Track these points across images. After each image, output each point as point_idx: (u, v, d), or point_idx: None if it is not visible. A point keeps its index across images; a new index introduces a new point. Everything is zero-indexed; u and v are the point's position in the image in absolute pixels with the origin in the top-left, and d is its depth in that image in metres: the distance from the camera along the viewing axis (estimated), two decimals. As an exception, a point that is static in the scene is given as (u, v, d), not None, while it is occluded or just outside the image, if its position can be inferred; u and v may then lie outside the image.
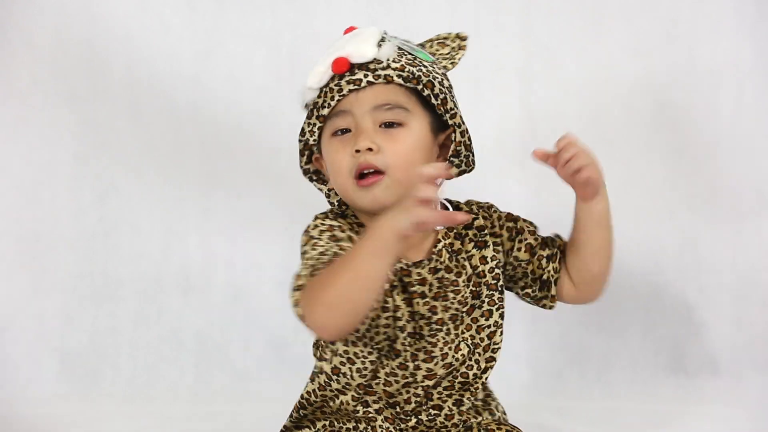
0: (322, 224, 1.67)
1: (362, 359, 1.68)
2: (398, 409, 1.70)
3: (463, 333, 1.70)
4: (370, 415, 1.71)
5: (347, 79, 1.62)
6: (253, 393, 2.64)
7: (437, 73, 1.67)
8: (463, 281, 1.69)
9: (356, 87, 1.62)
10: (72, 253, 2.70)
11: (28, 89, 2.70)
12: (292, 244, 2.71)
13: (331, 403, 1.73)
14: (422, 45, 1.72)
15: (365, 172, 1.62)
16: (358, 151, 1.61)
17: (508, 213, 1.77)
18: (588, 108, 2.73)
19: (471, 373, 1.71)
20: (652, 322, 2.68)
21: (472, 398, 1.74)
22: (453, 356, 1.69)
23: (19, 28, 2.69)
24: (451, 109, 1.68)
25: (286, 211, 2.70)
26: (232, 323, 2.70)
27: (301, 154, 1.71)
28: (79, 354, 2.65)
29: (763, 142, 2.70)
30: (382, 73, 1.62)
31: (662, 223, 2.71)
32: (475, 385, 1.73)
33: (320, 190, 1.74)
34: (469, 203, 1.76)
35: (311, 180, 1.74)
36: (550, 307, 1.79)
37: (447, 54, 1.73)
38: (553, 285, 1.75)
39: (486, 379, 1.76)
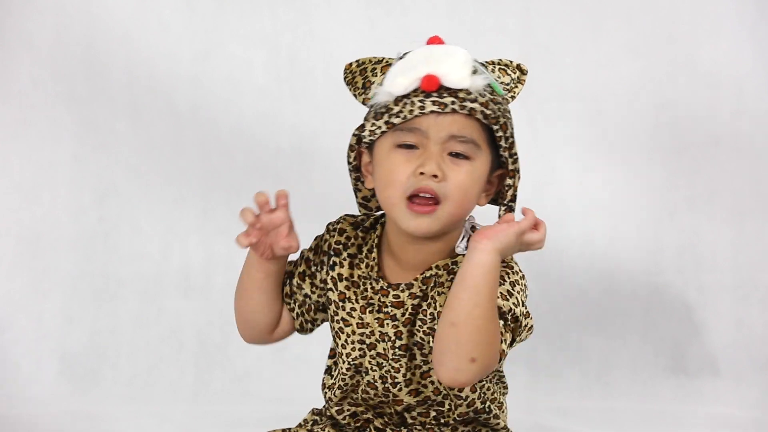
0: (321, 236, 1.72)
1: (341, 376, 1.68)
2: (386, 419, 1.70)
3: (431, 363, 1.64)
4: (360, 424, 1.70)
5: (434, 99, 1.58)
6: (253, 393, 2.64)
7: (509, 113, 1.67)
8: (431, 314, 1.63)
9: (440, 111, 1.59)
10: (72, 253, 2.70)
11: (27, 90, 2.70)
12: (291, 245, 2.73)
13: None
14: (484, 65, 1.70)
15: (422, 195, 1.60)
16: (422, 173, 1.58)
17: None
18: (588, 108, 2.73)
19: (445, 405, 1.67)
20: (652, 322, 2.68)
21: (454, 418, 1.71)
22: (420, 382, 1.66)
23: (18, 29, 2.69)
24: (515, 153, 1.67)
25: (286, 211, 2.70)
26: (232, 323, 2.69)
27: (351, 149, 1.68)
28: (79, 354, 2.65)
29: (763, 142, 2.70)
30: (469, 105, 1.59)
31: (662, 223, 2.71)
32: (450, 420, 1.69)
33: (357, 190, 1.71)
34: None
35: (356, 179, 1.70)
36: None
37: (507, 84, 1.71)
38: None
39: (464, 415, 1.70)
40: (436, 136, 1.59)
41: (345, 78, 1.70)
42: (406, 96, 1.59)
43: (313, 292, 1.71)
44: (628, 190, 2.72)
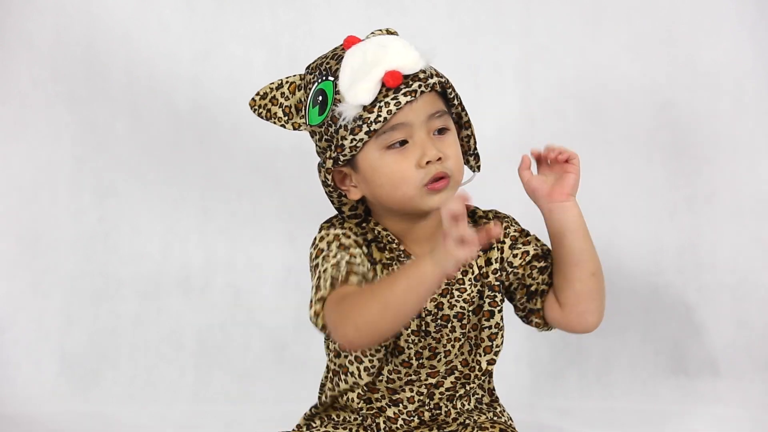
0: (327, 234, 1.67)
1: (369, 357, 1.69)
2: (401, 407, 1.71)
3: (469, 332, 1.71)
4: (373, 412, 1.71)
5: (404, 91, 1.61)
6: (253, 393, 2.64)
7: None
8: (469, 280, 1.70)
9: (413, 98, 1.61)
10: (72, 253, 2.70)
11: (27, 90, 2.70)
12: (292, 244, 2.73)
13: (340, 399, 1.74)
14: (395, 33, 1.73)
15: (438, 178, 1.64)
16: (428, 162, 1.62)
17: (523, 229, 1.77)
18: (588, 108, 2.73)
19: (473, 375, 1.72)
20: (652, 322, 2.68)
21: (473, 400, 1.74)
22: (456, 354, 1.70)
23: (18, 29, 2.69)
24: (464, 108, 1.71)
25: (286, 211, 2.70)
26: (232, 323, 2.70)
27: (329, 172, 1.67)
28: (79, 354, 2.65)
29: (763, 142, 2.70)
30: (431, 81, 1.63)
31: (662, 223, 2.71)
32: (475, 386, 1.73)
33: (340, 202, 1.71)
34: (489, 213, 1.77)
35: (334, 195, 1.70)
36: (541, 327, 1.74)
37: None
38: (539, 298, 1.72)
39: (490, 383, 1.76)
40: (419, 122, 1.62)
41: (260, 115, 1.73)
42: (375, 100, 1.61)
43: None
44: (628, 190, 2.71)
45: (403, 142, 1.63)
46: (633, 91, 2.72)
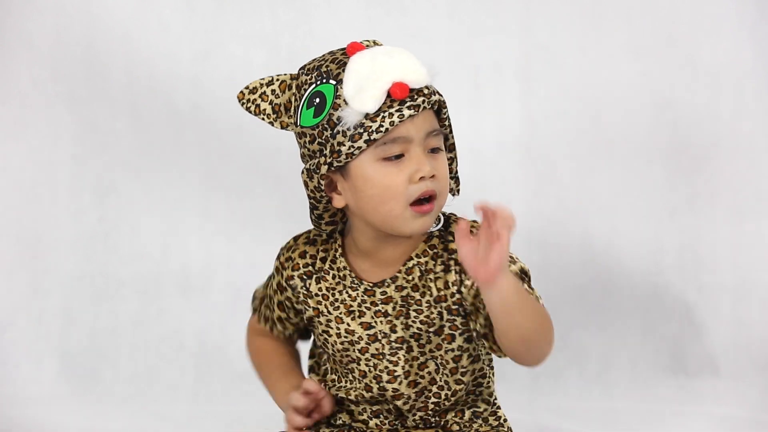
0: (284, 254, 1.74)
1: (335, 384, 1.71)
2: (382, 419, 1.71)
3: (432, 352, 1.68)
4: (362, 418, 1.71)
5: (408, 104, 1.59)
6: (253, 393, 2.64)
7: None
8: (427, 302, 1.66)
9: (415, 113, 1.60)
10: (72, 253, 2.70)
11: (27, 90, 2.70)
12: (291, 245, 2.73)
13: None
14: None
15: (425, 198, 1.61)
16: (422, 177, 1.60)
17: None
18: (588, 108, 2.73)
19: (442, 394, 1.69)
20: (652, 322, 2.68)
21: (468, 412, 1.72)
22: (417, 374, 1.67)
23: (18, 29, 2.69)
24: (452, 130, 1.69)
25: (286, 211, 2.70)
26: (232, 323, 2.70)
27: (322, 177, 1.64)
28: (79, 354, 2.65)
29: (763, 142, 2.70)
30: (434, 99, 1.62)
31: (662, 223, 2.71)
32: (448, 408, 1.71)
33: (326, 210, 1.69)
34: (455, 220, 1.72)
35: (318, 200, 1.68)
36: (495, 352, 1.68)
37: None
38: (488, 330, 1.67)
39: (488, 393, 1.74)
40: (418, 138, 1.60)
41: (248, 108, 1.70)
42: (379, 109, 1.59)
43: (298, 317, 1.75)
44: (628, 190, 2.71)
45: (399, 156, 1.61)
46: (633, 91, 2.72)
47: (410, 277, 1.65)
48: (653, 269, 2.69)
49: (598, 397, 2.63)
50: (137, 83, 2.71)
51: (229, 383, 2.65)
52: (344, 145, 1.60)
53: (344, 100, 1.59)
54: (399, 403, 1.68)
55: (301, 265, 1.71)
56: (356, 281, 1.67)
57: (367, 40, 1.69)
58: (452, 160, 1.68)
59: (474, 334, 1.67)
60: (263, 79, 1.70)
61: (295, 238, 1.75)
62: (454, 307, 1.66)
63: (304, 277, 1.71)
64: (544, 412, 2.54)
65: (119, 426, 2.45)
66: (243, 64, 2.72)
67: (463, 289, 1.65)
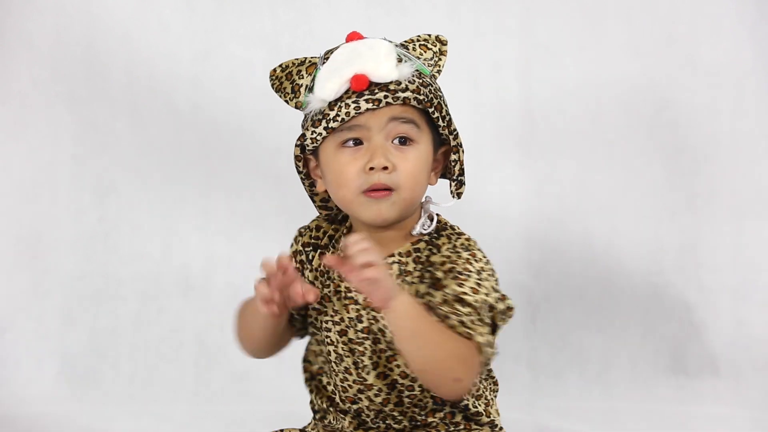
0: (304, 225, 1.75)
1: (329, 367, 1.71)
2: (363, 416, 1.70)
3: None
4: (340, 420, 1.71)
5: (366, 97, 1.60)
6: (253, 393, 2.64)
7: (440, 91, 1.68)
8: None
9: (374, 107, 1.61)
10: (72, 253, 2.70)
11: (27, 90, 2.70)
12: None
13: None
14: (405, 46, 1.71)
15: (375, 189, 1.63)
16: (372, 168, 1.61)
17: (460, 272, 1.64)
18: (588, 108, 2.73)
19: (416, 387, 1.67)
20: (652, 322, 2.68)
21: (437, 417, 1.71)
22: (386, 366, 1.66)
23: (18, 29, 2.69)
24: (454, 129, 1.68)
25: (286, 211, 2.70)
26: (232, 323, 2.70)
27: (297, 159, 1.70)
28: (79, 354, 2.65)
29: (763, 142, 2.70)
30: (401, 95, 1.61)
31: (662, 223, 2.71)
32: (426, 404, 1.70)
33: (313, 195, 1.73)
34: (448, 235, 1.70)
35: (311, 185, 1.73)
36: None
37: (431, 60, 1.71)
38: None
39: (465, 404, 1.72)
40: (377, 126, 1.61)
41: (272, 85, 1.72)
42: (339, 99, 1.61)
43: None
44: (628, 190, 2.72)
45: (359, 142, 1.62)
46: (633, 91, 2.72)
47: (390, 272, 1.63)
48: (653, 269, 2.69)
49: (598, 397, 2.63)
50: (137, 83, 2.71)
51: (229, 383, 2.65)
52: (308, 131, 1.64)
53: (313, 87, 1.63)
54: (370, 394, 1.67)
55: (311, 236, 1.74)
56: None
57: (429, 35, 1.71)
58: (456, 162, 1.68)
59: None
60: (297, 59, 1.73)
61: (319, 215, 1.77)
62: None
63: (310, 247, 1.73)
64: (544, 412, 2.54)
65: (119, 426, 2.45)
66: (243, 64, 2.72)
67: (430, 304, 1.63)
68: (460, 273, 1.59)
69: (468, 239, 1.65)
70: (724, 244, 2.69)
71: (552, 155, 2.71)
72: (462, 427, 1.69)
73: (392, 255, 1.66)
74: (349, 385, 1.68)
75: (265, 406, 2.56)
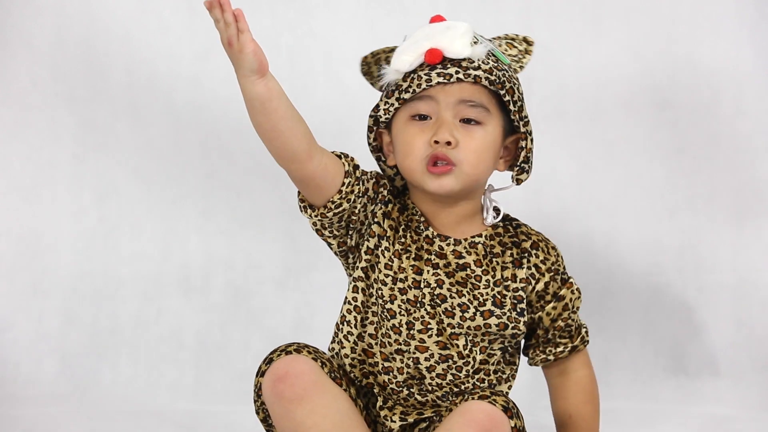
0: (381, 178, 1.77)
1: (364, 310, 1.72)
2: (390, 376, 1.71)
3: (469, 330, 1.70)
4: (366, 381, 1.72)
5: (438, 71, 1.66)
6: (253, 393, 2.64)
7: (516, 79, 1.72)
8: (486, 282, 1.71)
9: (445, 81, 1.66)
10: (72, 253, 2.70)
11: (27, 90, 2.70)
12: (292, 244, 2.73)
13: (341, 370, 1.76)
14: (491, 40, 1.75)
15: (438, 163, 1.68)
16: (437, 141, 1.66)
17: (564, 273, 1.79)
18: (588, 108, 2.73)
19: (465, 369, 1.71)
20: (652, 322, 2.68)
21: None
22: (448, 339, 1.70)
23: (18, 29, 2.69)
24: (526, 116, 1.73)
25: (286, 211, 2.70)
26: (232, 323, 2.70)
27: (370, 131, 1.75)
28: (79, 354, 2.65)
29: (763, 142, 2.70)
30: (473, 72, 1.66)
31: (662, 223, 2.71)
32: (467, 386, 1.72)
33: (383, 169, 1.78)
34: (534, 236, 1.79)
35: (378, 159, 1.78)
36: (530, 362, 1.87)
37: (515, 56, 1.76)
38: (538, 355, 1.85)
39: (483, 384, 1.76)
40: (446, 102, 1.66)
41: (362, 69, 1.78)
42: (413, 71, 1.67)
43: (361, 203, 1.71)
44: (628, 190, 2.71)
45: (425, 118, 1.67)
46: (633, 91, 2.72)
47: (473, 251, 1.71)
48: (653, 269, 2.69)
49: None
50: (137, 83, 2.71)
51: (229, 383, 2.65)
52: (382, 102, 1.70)
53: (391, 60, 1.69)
54: (420, 355, 1.69)
55: (388, 188, 1.74)
56: (422, 226, 1.72)
57: (516, 34, 1.77)
58: (523, 149, 1.72)
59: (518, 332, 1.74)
60: (388, 47, 1.77)
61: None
62: (513, 301, 1.72)
63: (386, 199, 1.73)
64: (544, 412, 2.54)
65: (119, 426, 2.45)
66: (243, 64, 2.71)
67: (528, 287, 1.73)
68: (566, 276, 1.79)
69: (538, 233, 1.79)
70: (724, 244, 2.69)
71: (552, 155, 2.70)
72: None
73: (479, 236, 1.72)
74: (388, 342, 1.69)
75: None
